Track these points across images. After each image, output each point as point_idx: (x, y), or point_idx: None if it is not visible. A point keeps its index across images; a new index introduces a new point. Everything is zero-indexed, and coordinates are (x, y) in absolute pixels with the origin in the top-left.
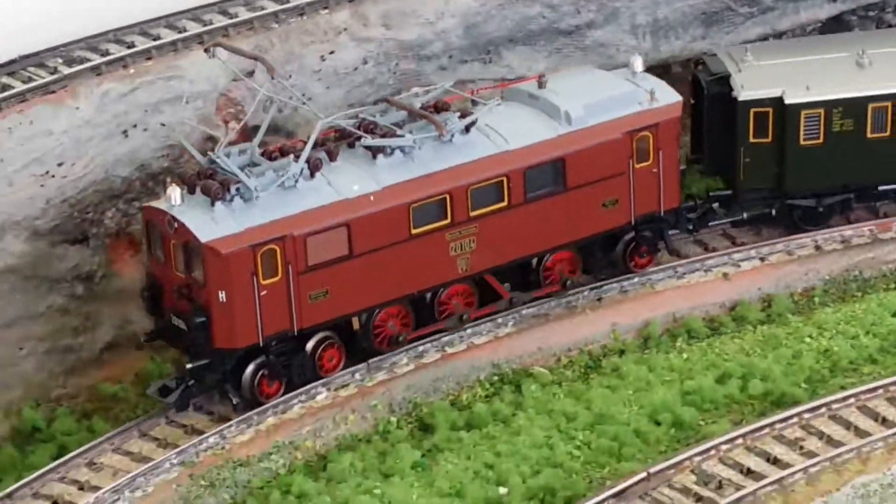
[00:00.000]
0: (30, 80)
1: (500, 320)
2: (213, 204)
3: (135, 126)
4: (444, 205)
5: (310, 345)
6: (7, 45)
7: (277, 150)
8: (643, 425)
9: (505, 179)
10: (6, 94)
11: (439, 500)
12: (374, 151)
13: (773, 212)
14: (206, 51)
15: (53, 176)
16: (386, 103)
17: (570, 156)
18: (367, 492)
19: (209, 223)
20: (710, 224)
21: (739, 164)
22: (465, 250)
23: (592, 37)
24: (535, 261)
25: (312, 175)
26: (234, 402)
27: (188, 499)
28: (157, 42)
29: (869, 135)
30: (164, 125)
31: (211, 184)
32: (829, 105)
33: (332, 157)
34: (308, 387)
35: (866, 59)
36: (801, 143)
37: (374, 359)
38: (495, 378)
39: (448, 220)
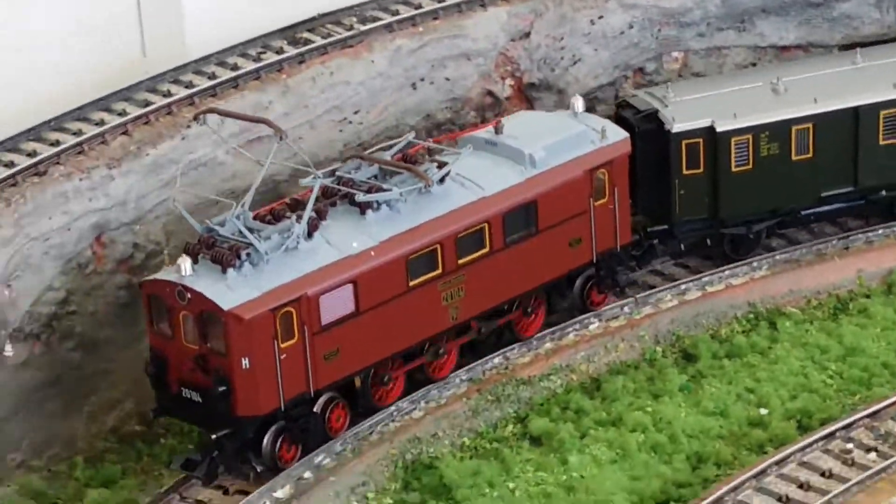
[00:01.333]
0: (329, 35)
1: (755, 264)
2: (224, 271)
3: (422, 80)
4: (435, 255)
5: (318, 406)
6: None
7: (268, 213)
8: (891, 359)
9: (486, 226)
10: (309, 47)
11: (705, 418)
12: (364, 207)
13: (709, 241)
14: (195, 118)
15: (350, 122)
16: (358, 160)
17: (541, 197)
18: (639, 409)
19: (226, 291)
20: (653, 261)
21: (675, 197)
22: (455, 299)
23: (840, 9)
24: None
25: (310, 235)
26: (259, 469)
27: (476, 409)
28: (443, 4)
29: (794, 157)
30: (448, 80)
31: (222, 251)
32: (756, 130)
33: (322, 216)
34: (582, 317)
35: (781, 86)
36: (733, 170)
37: (642, 294)
38: (751, 315)
39: (440, 270)
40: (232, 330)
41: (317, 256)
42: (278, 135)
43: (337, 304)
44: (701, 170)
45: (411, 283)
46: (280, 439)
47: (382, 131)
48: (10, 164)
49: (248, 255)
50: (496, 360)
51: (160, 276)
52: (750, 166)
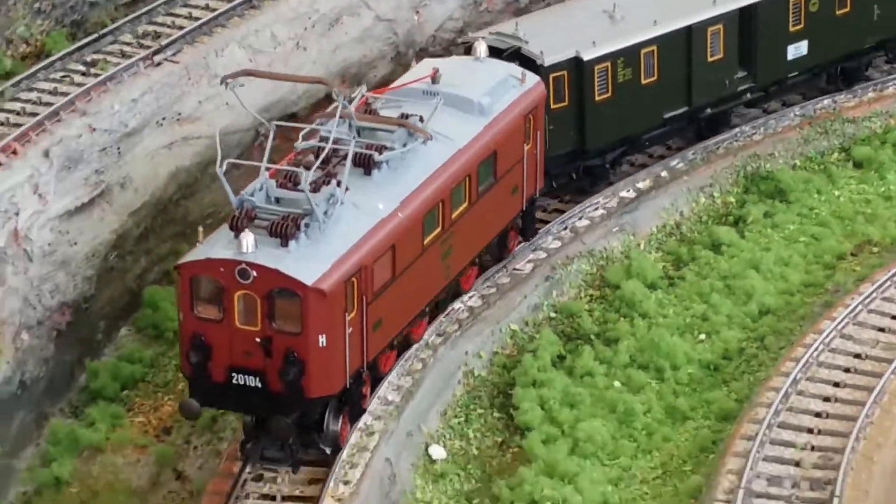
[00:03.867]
0: None
1: None
2: (285, 244)
3: None
4: (437, 212)
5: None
6: None
7: (288, 179)
8: None
9: (467, 178)
10: None
11: None
12: (371, 167)
13: (574, 175)
14: (223, 82)
15: None
16: (325, 118)
17: (498, 145)
18: None
19: (299, 264)
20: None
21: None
22: (447, 257)
23: None
24: None
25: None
26: (328, 451)
27: (807, 138)
28: None
29: (643, 81)
30: None
31: (281, 222)
32: (614, 56)
33: (332, 177)
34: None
35: (618, 13)
36: (596, 99)
37: None
38: None
39: (440, 228)
40: (312, 306)
41: (357, 222)
42: (339, 92)
43: (382, 271)
44: (566, 102)
45: (424, 243)
46: (341, 417)
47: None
48: None
49: (306, 224)
50: (825, 102)
51: (211, 254)
52: (609, 94)
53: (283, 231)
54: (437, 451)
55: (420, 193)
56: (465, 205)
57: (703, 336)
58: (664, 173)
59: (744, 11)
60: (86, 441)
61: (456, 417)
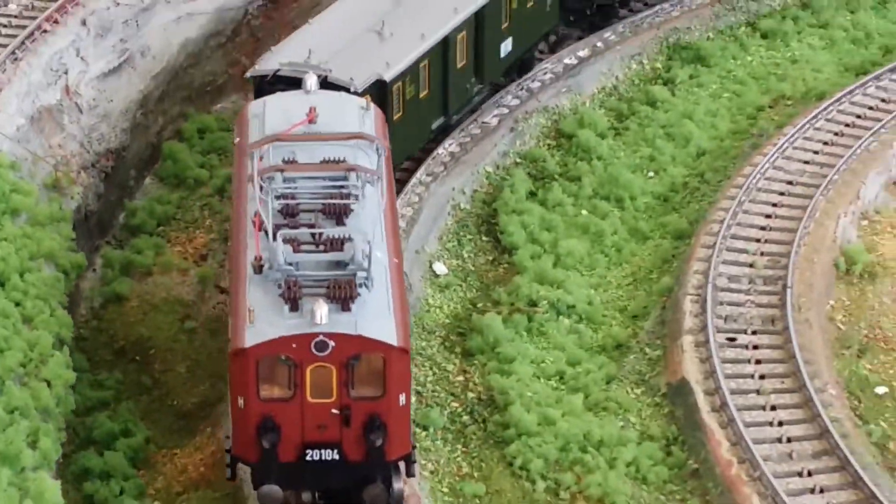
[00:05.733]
0: None
1: None
2: (347, 308)
3: None
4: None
5: None
6: None
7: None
8: None
9: (393, 214)
10: None
11: (892, 25)
12: (344, 215)
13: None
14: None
15: None
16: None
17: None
18: (841, 17)
19: (375, 326)
20: None
21: None
22: None
23: None
24: None
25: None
26: None
27: (718, 14)
28: None
29: (420, 96)
30: None
31: (340, 286)
32: (404, 75)
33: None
34: None
35: (386, 30)
36: (394, 119)
37: None
38: None
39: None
40: (395, 366)
41: (378, 275)
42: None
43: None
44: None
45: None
46: (402, 476)
47: None
48: None
49: (359, 285)
50: None
51: (281, 332)
52: (401, 114)
53: (345, 295)
54: (440, 268)
55: (390, 237)
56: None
57: (651, 173)
58: (599, 43)
59: None
60: (138, 264)
61: (450, 242)
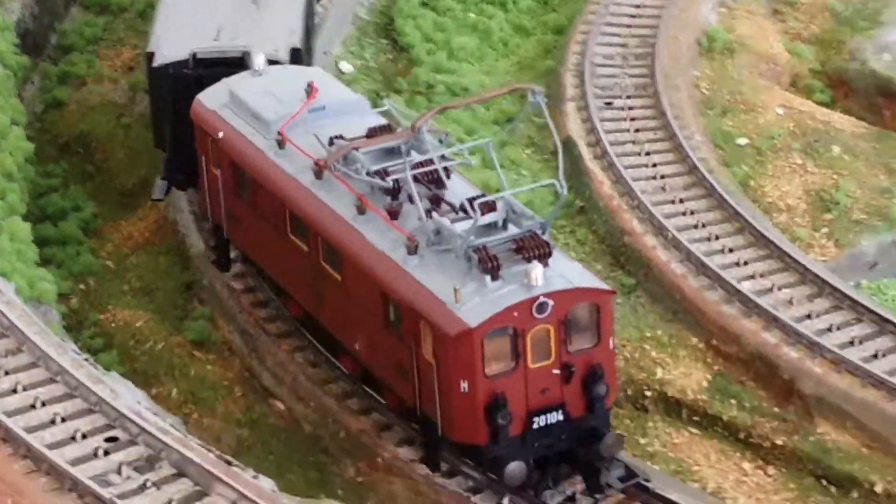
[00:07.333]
0: None
1: None
2: (546, 264)
3: None
4: None
5: None
6: None
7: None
8: None
9: None
10: None
11: None
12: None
13: None
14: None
15: None
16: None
17: None
18: None
19: (578, 275)
20: None
21: None
22: None
23: None
24: None
25: None
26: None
27: None
28: None
29: None
30: None
31: (534, 243)
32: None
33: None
34: None
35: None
36: None
37: None
38: None
39: None
40: (606, 309)
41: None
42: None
43: None
44: None
45: None
46: None
47: None
48: None
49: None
50: None
51: (505, 304)
52: None
53: (542, 252)
54: (345, 66)
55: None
56: None
57: None
58: None
59: None
60: (73, 75)
61: (353, 46)
